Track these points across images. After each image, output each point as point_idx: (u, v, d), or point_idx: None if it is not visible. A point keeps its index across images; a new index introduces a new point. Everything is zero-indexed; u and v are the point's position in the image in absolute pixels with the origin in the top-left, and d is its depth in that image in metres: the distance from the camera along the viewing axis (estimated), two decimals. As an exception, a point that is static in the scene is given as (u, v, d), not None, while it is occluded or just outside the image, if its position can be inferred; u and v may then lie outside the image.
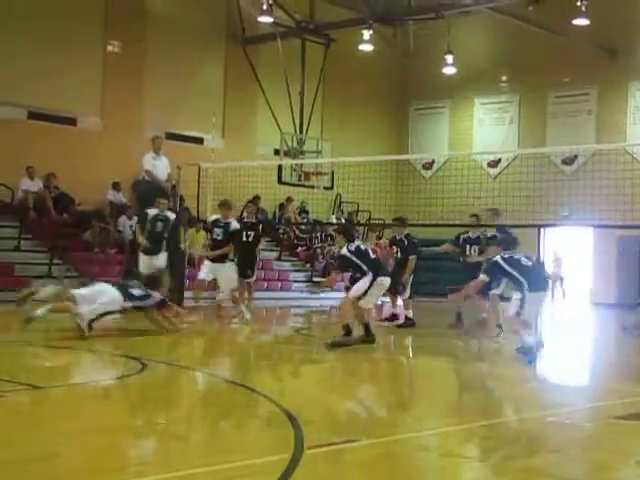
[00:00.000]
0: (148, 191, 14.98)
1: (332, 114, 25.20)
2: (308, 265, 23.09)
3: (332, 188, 21.64)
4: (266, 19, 21.61)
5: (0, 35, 19.20)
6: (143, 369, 8.41)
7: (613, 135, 22.49)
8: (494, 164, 25.19)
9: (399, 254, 13.69)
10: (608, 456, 5.56)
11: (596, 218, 18.30)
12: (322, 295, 21.66)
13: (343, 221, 23.68)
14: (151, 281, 11.65)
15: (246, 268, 14.72)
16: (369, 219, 22.65)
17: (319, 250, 23.41)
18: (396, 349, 11.66)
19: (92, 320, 10.41)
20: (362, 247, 10.86)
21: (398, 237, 13.98)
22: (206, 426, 6.26)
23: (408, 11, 22.80)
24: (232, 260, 13.60)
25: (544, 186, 19.24)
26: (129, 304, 10.87)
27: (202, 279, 13.42)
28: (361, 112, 26.55)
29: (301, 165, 21.02)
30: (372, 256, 10.78)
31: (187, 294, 15.11)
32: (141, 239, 14.17)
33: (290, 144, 22.20)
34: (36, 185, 19.35)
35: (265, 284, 20.63)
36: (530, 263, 9.92)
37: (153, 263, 13.81)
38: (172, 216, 14.27)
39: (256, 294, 16.32)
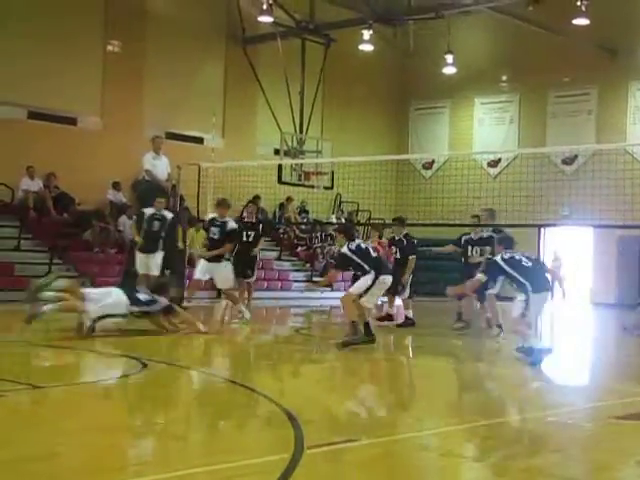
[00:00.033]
0: (148, 191, 14.96)
1: (332, 114, 25.20)
2: (308, 265, 23.09)
3: (332, 188, 21.64)
4: (266, 19, 21.62)
5: (0, 35, 19.20)
6: (143, 369, 8.41)
7: (613, 135, 22.49)
8: (494, 164, 25.19)
9: (398, 254, 13.66)
10: (608, 456, 5.55)
11: (596, 218, 18.30)
12: (322, 295, 21.70)
13: (343, 221, 23.68)
14: (158, 287, 11.66)
15: (246, 268, 14.73)
16: (369, 219, 22.65)
17: (319, 250, 23.41)
18: (396, 349, 11.66)
19: (96, 319, 10.42)
20: (362, 246, 10.86)
21: (397, 237, 13.97)
22: (206, 426, 6.26)
23: (408, 11, 22.81)
24: (228, 259, 13.56)
25: (544, 186, 19.23)
26: (135, 309, 10.88)
27: (198, 279, 13.37)
28: (361, 112, 26.56)
29: (301, 165, 21.02)
30: (373, 255, 10.77)
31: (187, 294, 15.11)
32: (137, 238, 14.15)
33: (290, 144, 22.21)
34: (36, 185, 19.35)
35: (265, 284, 20.64)
36: (531, 263, 9.83)
37: (149, 262, 13.71)
38: (169, 215, 14.16)
39: (256, 294, 16.33)
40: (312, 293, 21.75)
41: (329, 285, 19.33)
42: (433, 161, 26.80)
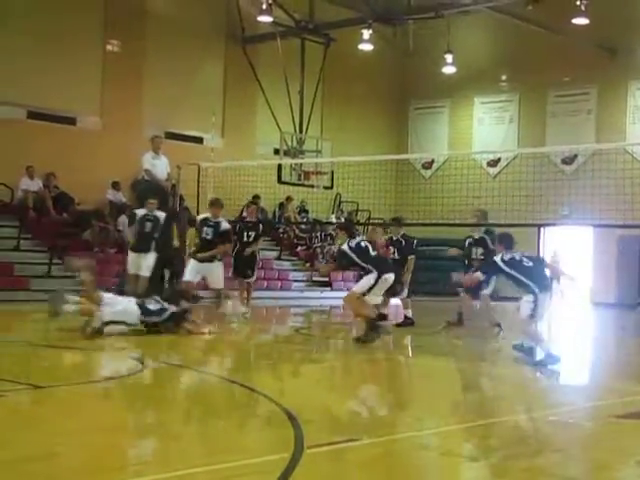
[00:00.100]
0: (147, 190, 14.94)
1: (332, 113, 25.19)
2: (308, 264, 23.09)
3: (332, 187, 21.64)
4: (266, 18, 21.62)
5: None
6: (143, 369, 8.41)
7: (613, 134, 22.49)
8: (494, 163, 25.19)
9: (396, 254, 13.58)
10: (608, 455, 5.55)
11: (596, 217, 18.30)
12: (322, 295, 21.72)
13: (343, 220, 23.67)
14: (172, 295, 11.73)
15: (246, 268, 14.73)
16: (369, 218, 22.65)
17: (319, 249, 23.41)
18: (396, 348, 11.64)
19: (105, 323, 10.51)
20: (362, 244, 10.85)
21: (395, 237, 13.92)
22: (206, 426, 6.25)
23: (408, 10, 22.81)
24: (220, 259, 13.52)
25: (544, 185, 19.22)
26: (145, 318, 10.92)
27: (189, 280, 13.18)
28: (361, 111, 26.56)
29: (301, 164, 21.03)
30: (372, 254, 10.77)
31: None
32: (129, 237, 14.06)
33: (290, 143, 22.21)
34: (36, 185, 19.35)
35: (265, 283, 20.63)
36: (532, 263, 9.74)
37: (140, 262, 13.51)
38: (162, 216, 13.95)
39: (256, 293, 16.32)
40: (312, 293, 21.78)
41: (328, 274, 19.46)
42: (433, 161, 26.80)
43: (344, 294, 11.93)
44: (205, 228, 13.30)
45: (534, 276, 9.55)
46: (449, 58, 24.59)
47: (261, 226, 15.46)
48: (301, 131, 23.16)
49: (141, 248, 13.62)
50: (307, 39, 23.58)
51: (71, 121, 20.68)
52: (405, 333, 12.97)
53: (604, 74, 23.67)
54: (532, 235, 21.05)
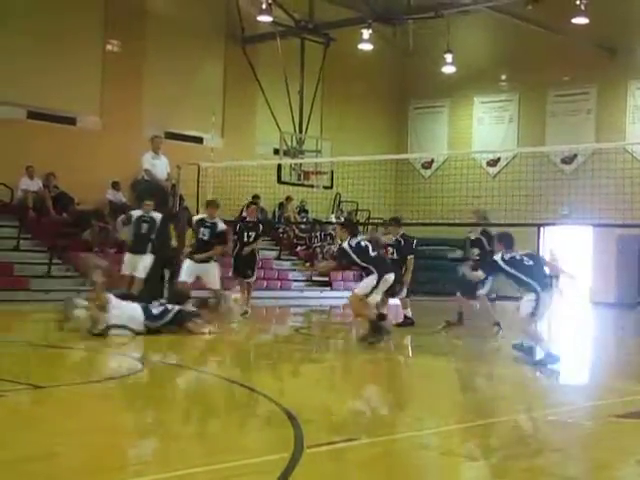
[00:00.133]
0: (147, 190, 14.93)
1: (331, 113, 25.19)
2: (307, 264, 23.09)
3: (331, 187, 21.65)
4: (265, 18, 21.62)
5: (-1, 33, 19.24)
6: (143, 369, 8.42)
7: (612, 134, 22.48)
8: (493, 163, 25.19)
9: (395, 255, 13.52)
10: (608, 455, 5.55)
11: (595, 217, 18.33)
12: (322, 295, 21.72)
13: (341, 221, 23.67)
14: (177, 295, 11.84)
15: (246, 268, 14.73)
16: (368, 218, 22.66)
17: (318, 249, 23.41)
18: (395, 348, 11.65)
19: (110, 326, 10.61)
20: (362, 244, 10.86)
21: (394, 238, 13.89)
22: (205, 425, 6.25)
23: (407, 10, 22.80)
24: (216, 260, 13.54)
25: (543, 185, 19.22)
26: (149, 324, 10.97)
27: (184, 281, 13.11)
28: (360, 111, 26.56)
29: (300, 164, 21.03)
30: (372, 254, 10.77)
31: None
32: (125, 236, 14.00)
33: (289, 143, 22.21)
34: (35, 185, 19.36)
35: (265, 283, 20.64)
36: (532, 262, 9.70)
37: (136, 263, 13.36)
38: (158, 217, 13.77)
39: (256, 293, 16.32)
40: (312, 292, 21.78)
41: (328, 273, 19.48)
42: (432, 160, 26.80)
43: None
44: (202, 229, 13.28)
45: (535, 275, 9.52)
46: (449, 58, 24.60)
47: (261, 226, 15.45)
48: (301, 131, 23.16)
49: (137, 249, 13.51)
50: (307, 39, 23.58)
51: (71, 121, 20.68)
52: (405, 333, 12.97)
53: (604, 74, 23.67)
54: (532, 235, 21.07)
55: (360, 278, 11.37)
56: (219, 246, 13.50)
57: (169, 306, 11.33)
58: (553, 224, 20.70)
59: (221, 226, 13.44)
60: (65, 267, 18.04)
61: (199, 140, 22.49)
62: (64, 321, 10.94)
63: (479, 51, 25.95)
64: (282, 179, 20.96)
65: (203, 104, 22.48)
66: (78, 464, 4.89)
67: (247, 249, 14.77)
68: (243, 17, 22.89)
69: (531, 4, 21.51)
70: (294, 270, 22.75)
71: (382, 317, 13.99)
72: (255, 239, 14.89)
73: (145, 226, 13.53)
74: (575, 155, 23.72)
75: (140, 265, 13.27)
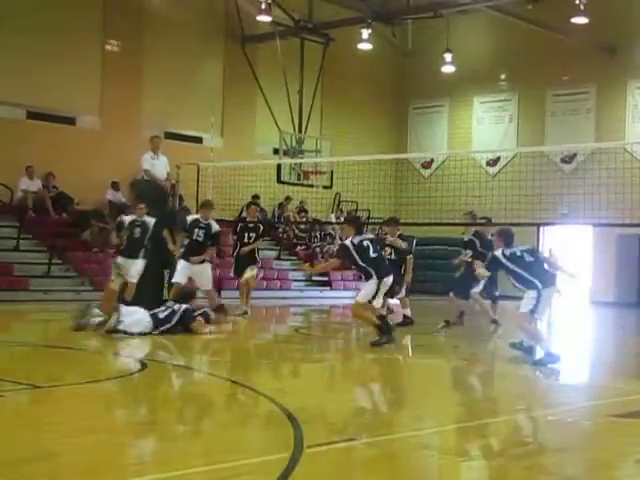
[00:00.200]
0: (147, 190, 14.91)
1: (331, 113, 25.20)
2: (307, 264, 23.05)
3: (331, 187, 21.65)
4: (265, 18, 21.62)
5: (-2, 33, 19.24)
6: (143, 369, 8.42)
7: (612, 133, 22.48)
8: (493, 163, 25.18)
9: (393, 255, 13.49)
10: (608, 454, 5.56)
11: (595, 216, 18.28)
12: (322, 294, 21.72)
13: (342, 220, 23.66)
14: (184, 296, 11.90)
15: (246, 268, 14.74)
16: (368, 217, 22.67)
17: (318, 249, 23.41)
18: (395, 348, 11.64)
19: (118, 330, 10.77)
20: (365, 244, 10.83)
21: (392, 237, 13.86)
22: (205, 425, 6.26)
23: (407, 10, 22.80)
24: (210, 261, 13.52)
25: (543, 184, 19.18)
26: (158, 328, 11.07)
27: (177, 282, 13.00)
28: (360, 111, 26.55)
29: (300, 164, 21.03)
30: (372, 255, 10.74)
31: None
32: (118, 240, 13.91)
33: (289, 143, 22.21)
34: (35, 185, 19.35)
35: (264, 283, 20.63)
36: (532, 258, 9.66)
37: (129, 267, 13.10)
38: (151, 221, 13.42)
39: (256, 293, 16.32)
40: (311, 292, 21.77)
41: (327, 271, 19.54)
42: (432, 160, 26.78)
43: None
44: (196, 230, 13.22)
45: (535, 271, 9.48)
46: (448, 57, 24.59)
47: (261, 227, 15.45)
48: (300, 131, 23.16)
49: (129, 254, 13.23)
50: (306, 39, 23.59)
51: (70, 121, 20.67)
52: (404, 332, 12.97)
53: (603, 73, 23.67)
54: (531, 234, 21.03)
55: (359, 279, 11.36)
56: (213, 247, 13.52)
57: (175, 307, 11.39)
58: (553, 224, 20.68)
59: (215, 227, 13.40)
60: (65, 267, 18.05)
61: (198, 140, 22.49)
62: (77, 330, 11.06)
63: (478, 51, 25.94)
64: (282, 179, 20.96)
65: (203, 104, 22.48)
66: (78, 464, 4.90)
67: (245, 249, 14.79)
68: (242, 17, 22.89)
69: (531, 4, 21.53)
70: (294, 270, 22.74)
71: (381, 318, 14.01)
72: (255, 239, 14.90)
73: (138, 230, 13.32)
74: (575, 154, 23.71)
75: (132, 270, 13.12)
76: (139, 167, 15.63)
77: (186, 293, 12.10)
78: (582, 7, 19.54)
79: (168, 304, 11.65)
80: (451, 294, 13.35)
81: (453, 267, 14.09)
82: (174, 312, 11.28)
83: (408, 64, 27.63)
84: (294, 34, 23.31)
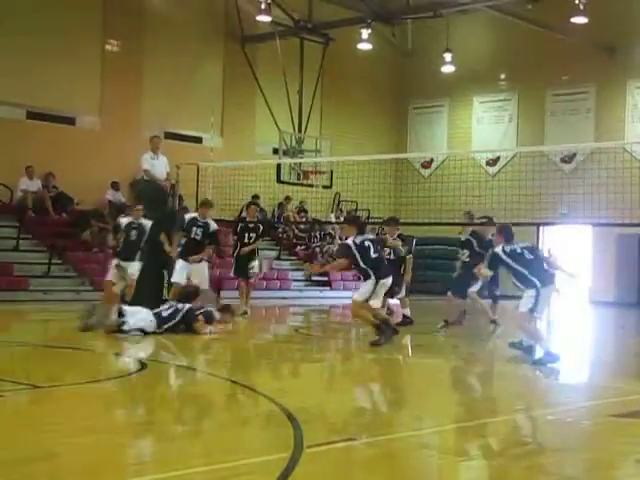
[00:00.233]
0: (146, 190, 14.91)
1: (331, 113, 25.20)
2: (307, 264, 23.07)
3: (331, 187, 21.66)
4: (264, 18, 21.63)
5: (-2, 34, 19.24)
6: (143, 369, 8.42)
7: (611, 133, 22.49)
8: (493, 162, 25.19)
9: (392, 255, 13.48)
10: (608, 454, 5.56)
11: (595, 216, 18.30)
12: (321, 294, 21.72)
13: (342, 220, 23.66)
14: (187, 295, 11.92)
15: (246, 268, 14.74)
16: (368, 217, 22.67)
17: (318, 249, 23.41)
18: (395, 347, 11.65)
19: (122, 330, 10.84)
20: (366, 244, 10.83)
21: (391, 238, 13.85)
22: (205, 425, 6.26)
23: (406, 10, 22.80)
24: (208, 260, 13.51)
25: (543, 184, 19.19)
26: (162, 327, 11.11)
27: (176, 282, 13.02)
28: (360, 111, 26.55)
29: (300, 164, 21.03)
30: (372, 255, 10.74)
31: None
32: (114, 242, 13.89)
33: (289, 143, 22.21)
34: (35, 185, 19.36)
35: (264, 283, 20.64)
36: (532, 256, 9.64)
37: (125, 270, 13.15)
38: (147, 224, 13.42)
39: (255, 293, 16.33)
40: (311, 292, 21.77)
41: (334, 271, 19.50)
42: (432, 160, 26.79)
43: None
44: (194, 228, 13.21)
45: (535, 269, 9.47)
46: (448, 57, 24.60)
47: (261, 227, 15.46)
48: (300, 130, 23.16)
49: (126, 256, 13.26)
50: (306, 39, 23.60)
51: (70, 121, 20.67)
52: (404, 332, 12.96)
53: (603, 73, 23.67)
54: (531, 234, 21.04)
55: (358, 279, 11.36)
56: (211, 247, 13.52)
57: (179, 306, 11.42)
58: (552, 223, 20.69)
59: (213, 226, 13.40)
60: (65, 267, 18.05)
61: (198, 140, 22.49)
62: (84, 330, 11.07)
63: (478, 50, 25.94)
64: (281, 179, 20.97)
65: (202, 104, 22.49)
66: (78, 464, 4.90)
67: (245, 249, 14.80)
68: (242, 17, 22.89)
69: (530, 4, 21.52)
70: (294, 270, 22.75)
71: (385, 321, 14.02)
72: (256, 240, 14.91)
73: (134, 233, 13.31)
74: (574, 154, 23.72)
75: (128, 272, 13.15)
76: (139, 167, 15.63)
77: (189, 292, 12.10)
78: (582, 7, 19.55)
79: (170, 303, 11.66)
80: (449, 293, 13.37)
81: (453, 267, 14.12)
82: (177, 310, 11.31)
83: (408, 64, 27.64)
84: (294, 34, 23.32)
